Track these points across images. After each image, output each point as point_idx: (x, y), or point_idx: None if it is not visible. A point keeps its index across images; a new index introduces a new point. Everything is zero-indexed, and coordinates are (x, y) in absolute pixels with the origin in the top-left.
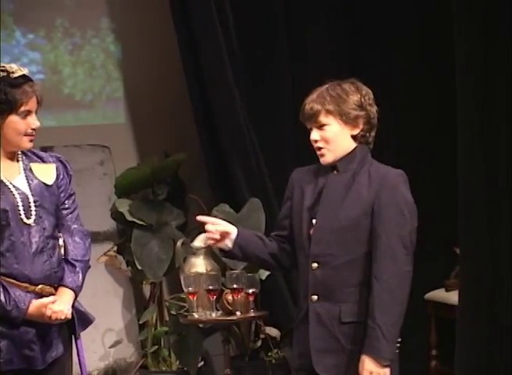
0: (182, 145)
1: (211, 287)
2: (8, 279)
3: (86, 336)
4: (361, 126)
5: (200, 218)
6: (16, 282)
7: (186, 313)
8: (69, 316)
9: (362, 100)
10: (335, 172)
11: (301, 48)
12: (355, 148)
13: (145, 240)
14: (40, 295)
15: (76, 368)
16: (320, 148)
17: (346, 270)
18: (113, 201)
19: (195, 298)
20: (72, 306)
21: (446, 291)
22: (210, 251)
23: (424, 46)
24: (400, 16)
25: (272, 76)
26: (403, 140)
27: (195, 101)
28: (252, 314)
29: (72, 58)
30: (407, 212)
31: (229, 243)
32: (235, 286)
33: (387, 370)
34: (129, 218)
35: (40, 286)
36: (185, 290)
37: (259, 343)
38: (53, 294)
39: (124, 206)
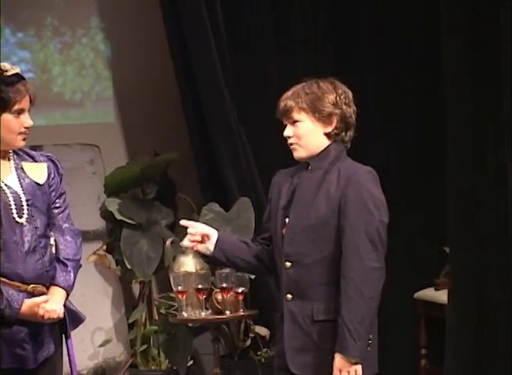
0: (171, 144)
1: (200, 286)
2: (0, 278)
3: (75, 335)
4: (335, 125)
5: (183, 222)
6: (9, 281)
7: (175, 312)
8: (62, 316)
9: (337, 99)
10: (308, 171)
11: (291, 49)
12: (329, 145)
13: (134, 239)
14: (32, 294)
15: (66, 367)
16: (292, 144)
17: (317, 269)
18: (103, 200)
19: (184, 297)
20: (64, 305)
21: (436, 290)
22: None
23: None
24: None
25: (262, 76)
26: (394, 140)
27: (185, 100)
28: (241, 313)
29: (61, 57)
30: (373, 207)
31: (210, 246)
32: (224, 285)
33: (358, 367)
34: (119, 217)
35: (32, 285)
36: (174, 289)
37: (248, 342)
38: (45, 294)
39: (113, 205)
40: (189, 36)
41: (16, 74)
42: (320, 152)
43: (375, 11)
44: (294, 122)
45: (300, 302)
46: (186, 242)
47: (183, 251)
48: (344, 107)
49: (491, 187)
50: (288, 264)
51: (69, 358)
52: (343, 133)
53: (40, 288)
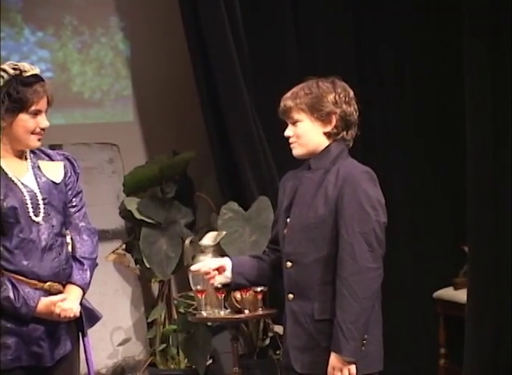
0: (190, 143)
1: (219, 286)
2: (17, 276)
3: (94, 334)
4: (334, 124)
5: (193, 268)
6: (25, 279)
7: (194, 311)
8: (78, 314)
9: (337, 98)
10: (309, 171)
11: (311, 47)
12: (329, 145)
13: (154, 238)
14: (48, 293)
15: (83, 365)
16: (292, 143)
17: (317, 268)
18: (122, 200)
19: (203, 296)
20: (80, 303)
21: (455, 289)
22: (218, 250)
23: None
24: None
25: (281, 72)
26: (416, 142)
27: (204, 99)
28: (260, 312)
29: (80, 57)
30: (369, 208)
31: (228, 274)
32: None
33: (352, 366)
34: (138, 216)
35: (48, 283)
36: (193, 288)
37: (267, 341)
38: (61, 292)
39: (133, 204)
40: (207, 34)
41: (35, 75)
42: (320, 152)
43: (397, 6)
44: (294, 122)
45: (301, 302)
46: (205, 241)
47: (202, 250)
48: (344, 106)
49: (510, 187)
50: (289, 264)
51: (86, 357)
52: (344, 133)
53: (57, 286)
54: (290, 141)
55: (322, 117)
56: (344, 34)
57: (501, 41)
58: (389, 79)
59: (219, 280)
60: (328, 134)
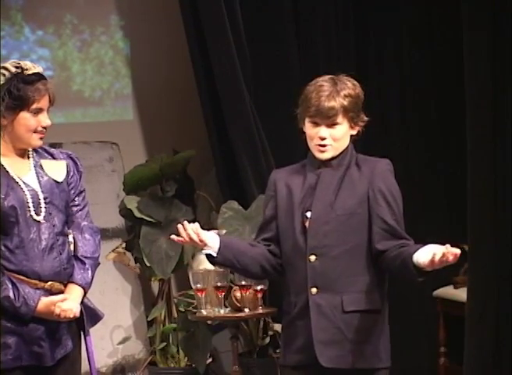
0: (190, 142)
1: (219, 284)
2: (17, 275)
3: (94, 333)
4: (359, 128)
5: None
6: (26, 279)
7: (194, 310)
8: (78, 315)
9: (362, 98)
10: (328, 168)
11: (311, 47)
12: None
13: (154, 237)
14: (49, 292)
15: (84, 364)
16: (325, 145)
17: (345, 260)
18: (122, 198)
19: (203, 295)
20: (81, 303)
21: (455, 287)
22: None
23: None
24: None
25: (281, 72)
26: (410, 139)
27: (204, 97)
28: (260, 311)
29: (81, 55)
30: (398, 198)
31: (215, 245)
32: (243, 283)
33: None
34: (138, 215)
35: (49, 283)
36: (193, 286)
37: (267, 340)
38: (62, 291)
39: (133, 203)
40: (208, 33)
41: (37, 73)
42: (341, 151)
43: (398, 5)
44: (334, 124)
45: (326, 295)
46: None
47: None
48: (361, 106)
49: (511, 187)
50: (312, 257)
51: (88, 356)
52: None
53: (58, 286)
54: (324, 142)
55: (357, 120)
56: (344, 34)
57: (501, 40)
58: (389, 79)
59: (206, 241)
60: (351, 136)
